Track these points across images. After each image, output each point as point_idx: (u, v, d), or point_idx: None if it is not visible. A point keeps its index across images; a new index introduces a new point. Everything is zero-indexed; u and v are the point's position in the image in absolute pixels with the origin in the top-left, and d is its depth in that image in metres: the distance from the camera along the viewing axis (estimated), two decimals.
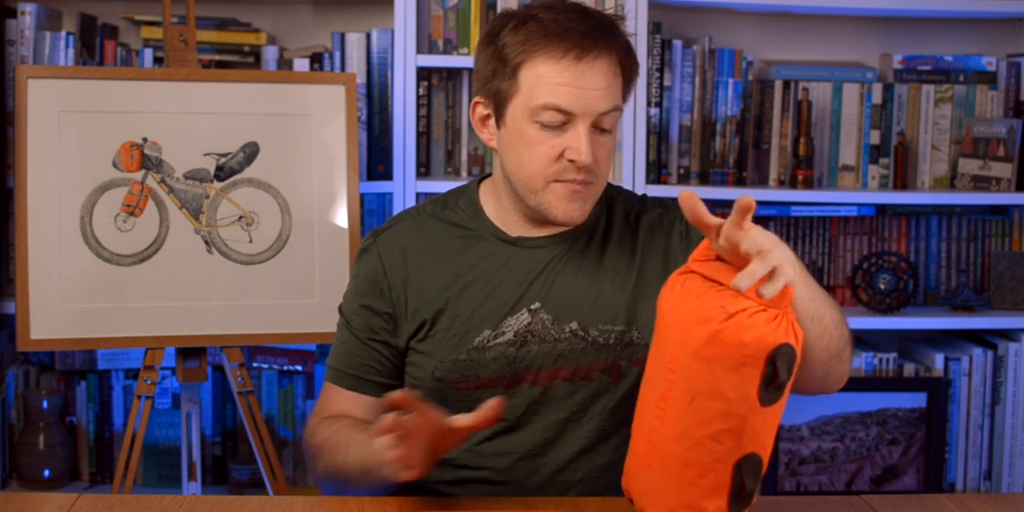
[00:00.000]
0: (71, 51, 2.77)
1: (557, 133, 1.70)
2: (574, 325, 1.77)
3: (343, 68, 2.87)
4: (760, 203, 2.99)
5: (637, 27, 2.82)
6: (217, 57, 2.90)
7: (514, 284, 1.79)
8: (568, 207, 1.73)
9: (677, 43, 2.96)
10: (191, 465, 2.58)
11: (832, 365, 1.59)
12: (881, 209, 3.05)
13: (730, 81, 2.98)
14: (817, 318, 1.52)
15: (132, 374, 2.95)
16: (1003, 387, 3.02)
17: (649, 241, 1.82)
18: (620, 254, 1.80)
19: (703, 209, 1.43)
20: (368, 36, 2.88)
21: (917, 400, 2.98)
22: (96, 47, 2.86)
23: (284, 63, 2.90)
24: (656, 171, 2.96)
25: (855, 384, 2.95)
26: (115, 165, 2.49)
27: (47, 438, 2.86)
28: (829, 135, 3.04)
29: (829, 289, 3.07)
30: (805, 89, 2.99)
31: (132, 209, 2.50)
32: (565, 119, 1.69)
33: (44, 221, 2.45)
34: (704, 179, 3.01)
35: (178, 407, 2.90)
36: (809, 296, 1.51)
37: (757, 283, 1.37)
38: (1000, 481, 3.03)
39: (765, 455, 1.44)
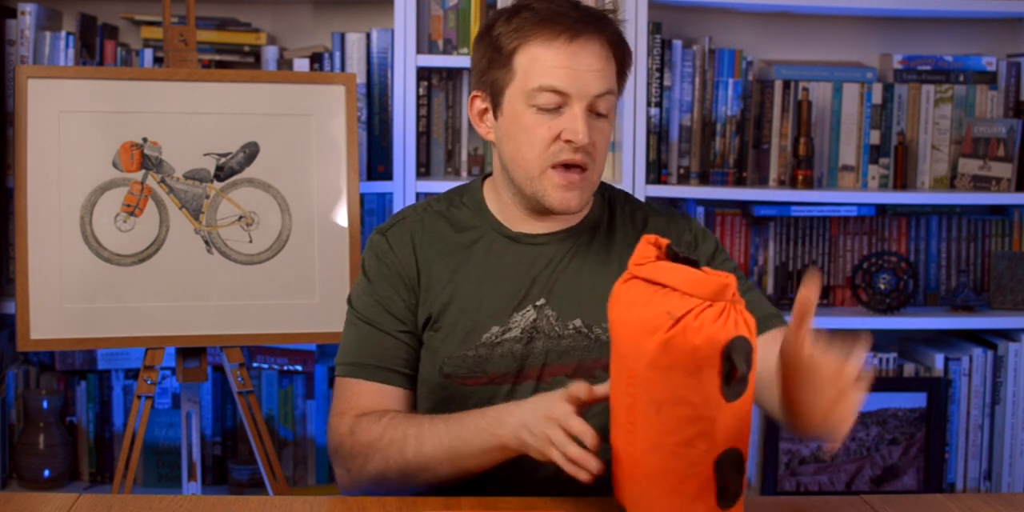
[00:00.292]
0: (71, 51, 2.77)
1: (553, 116, 1.73)
2: (578, 322, 1.79)
3: (343, 68, 2.87)
4: (760, 203, 3.00)
5: (637, 27, 2.83)
6: (217, 57, 2.90)
7: (518, 280, 1.80)
8: (564, 195, 1.75)
9: (677, 43, 2.96)
10: (191, 465, 2.58)
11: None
12: (881, 209, 3.05)
13: (730, 81, 2.98)
14: None
15: (132, 374, 2.95)
16: (1003, 387, 3.02)
17: None
18: (624, 252, 1.81)
19: (810, 320, 1.42)
20: (368, 36, 2.88)
21: (917, 400, 2.98)
22: (96, 47, 2.86)
23: (284, 63, 2.90)
24: (656, 171, 2.96)
25: None
26: (115, 165, 2.49)
27: (47, 438, 2.86)
28: (829, 135, 3.04)
29: (829, 289, 3.07)
30: (805, 89, 2.99)
31: (132, 209, 2.50)
32: (561, 101, 1.73)
33: (44, 221, 2.45)
34: (704, 179, 3.01)
35: (178, 407, 2.90)
36: None
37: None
38: (1000, 481, 3.03)
39: (744, 447, 1.44)
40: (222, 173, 2.54)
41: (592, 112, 1.74)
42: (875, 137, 3.05)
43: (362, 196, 2.82)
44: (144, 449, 2.92)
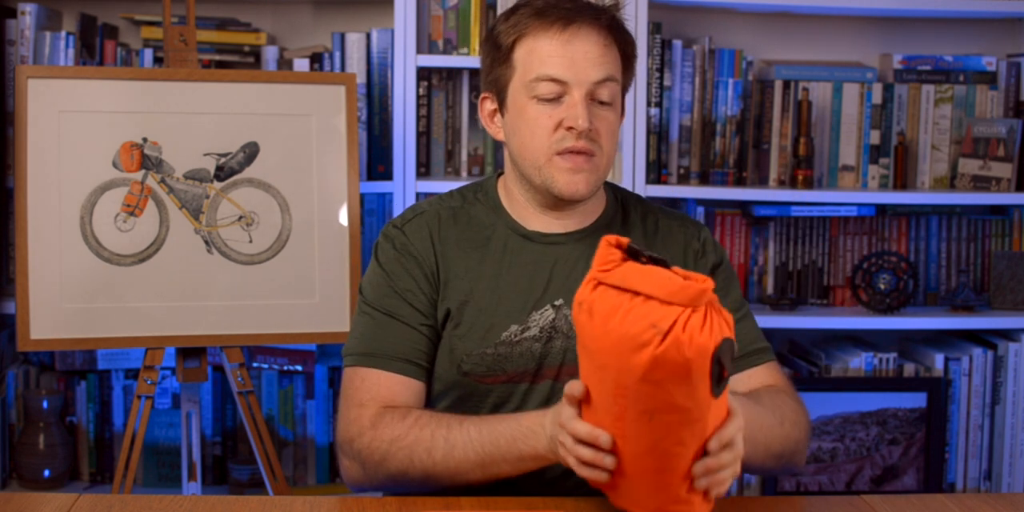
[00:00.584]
0: (71, 51, 2.77)
1: (554, 106, 1.75)
2: None
3: (343, 68, 2.88)
4: (760, 203, 3.00)
5: (637, 27, 2.83)
6: (217, 57, 2.90)
7: (535, 279, 1.81)
8: (571, 179, 1.75)
9: (677, 43, 2.96)
10: (191, 465, 2.58)
11: (785, 461, 1.75)
12: (881, 209, 3.05)
13: (730, 81, 2.98)
14: (763, 449, 1.67)
15: (132, 374, 2.95)
16: (1003, 387, 3.02)
17: (666, 244, 1.86)
18: None
19: None
20: (368, 36, 2.88)
21: (917, 400, 2.98)
22: (96, 47, 2.86)
23: (284, 63, 2.90)
24: (656, 171, 2.96)
25: (855, 384, 2.95)
26: (115, 165, 2.49)
27: (47, 438, 2.86)
28: (829, 135, 3.04)
29: (829, 289, 3.07)
30: (805, 89, 2.99)
31: (132, 209, 2.50)
32: (561, 90, 1.74)
33: (44, 221, 2.45)
34: (704, 179, 3.01)
35: (178, 407, 2.90)
36: (758, 430, 1.64)
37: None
38: (1000, 481, 3.03)
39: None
40: (222, 173, 2.54)
41: (594, 100, 1.75)
42: (875, 137, 3.05)
43: (362, 196, 2.82)
44: (144, 449, 2.92)
